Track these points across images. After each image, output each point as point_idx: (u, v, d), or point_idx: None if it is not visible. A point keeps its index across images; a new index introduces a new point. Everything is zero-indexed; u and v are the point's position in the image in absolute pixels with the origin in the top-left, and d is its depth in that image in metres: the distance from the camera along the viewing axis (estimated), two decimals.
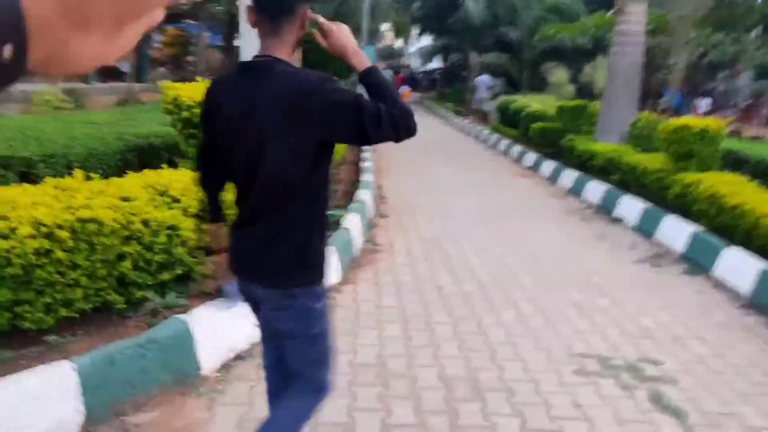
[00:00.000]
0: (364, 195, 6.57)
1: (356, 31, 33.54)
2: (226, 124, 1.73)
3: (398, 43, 54.97)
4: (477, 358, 3.44)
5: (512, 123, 16.07)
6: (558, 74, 21.75)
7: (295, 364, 1.92)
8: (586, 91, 22.88)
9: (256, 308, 1.93)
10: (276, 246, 1.76)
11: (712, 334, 3.99)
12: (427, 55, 44.71)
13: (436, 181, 9.47)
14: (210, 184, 1.97)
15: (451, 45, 28.94)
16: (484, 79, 20.39)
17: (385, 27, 48.70)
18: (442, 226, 6.56)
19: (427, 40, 40.89)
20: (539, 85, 22.93)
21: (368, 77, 1.71)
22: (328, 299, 1.90)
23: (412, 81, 37.92)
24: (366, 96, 1.68)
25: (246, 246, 1.82)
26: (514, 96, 17.98)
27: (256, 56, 1.72)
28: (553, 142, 12.26)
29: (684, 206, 6.53)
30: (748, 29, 17.99)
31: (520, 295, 4.54)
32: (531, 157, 11.51)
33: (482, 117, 21.24)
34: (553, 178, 9.93)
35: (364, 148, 11.19)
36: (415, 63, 52.52)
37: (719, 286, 4.97)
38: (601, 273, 5.19)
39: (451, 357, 3.44)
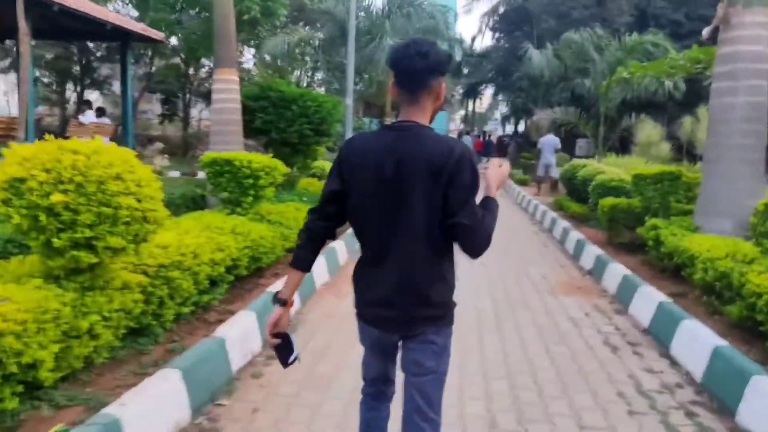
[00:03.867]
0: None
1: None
2: (367, 176, 1.94)
3: (482, 108, 52.31)
4: None
5: (581, 196, 12.02)
6: (647, 130, 17.38)
7: (422, 401, 2.03)
8: (687, 152, 18.26)
9: (385, 350, 2.14)
10: (417, 287, 1.96)
11: None
12: (504, 118, 41.46)
13: None
14: (323, 231, 2.10)
15: (518, 103, 25.28)
16: (549, 140, 16.45)
17: (458, 92, 46.16)
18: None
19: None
20: (626, 147, 18.63)
21: (490, 201, 2.01)
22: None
23: (489, 145, 34.56)
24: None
25: (385, 290, 2.00)
26: (582, 160, 13.88)
27: (401, 121, 1.98)
28: (632, 227, 8.17)
29: None
30: None
31: None
32: (591, 253, 7.44)
33: (552, 186, 17.19)
34: (622, 298, 5.85)
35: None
36: (498, 128, 49.32)
37: None
38: None
39: None
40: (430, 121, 1.99)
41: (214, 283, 4.92)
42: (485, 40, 49.50)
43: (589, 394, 3.68)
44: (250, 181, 5.93)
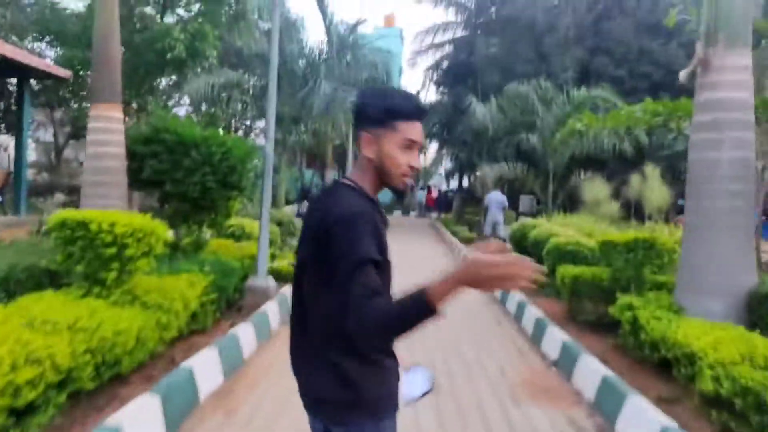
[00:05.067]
0: None
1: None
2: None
3: (427, 163, 51.98)
4: None
5: (533, 259, 10.90)
6: (595, 189, 16.76)
7: None
8: (635, 211, 17.74)
9: None
10: (302, 375, 1.74)
11: None
12: (448, 174, 41.08)
13: None
14: None
15: (462, 158, 24.61)
16: (496, 197, 15.52)
17: None
18: None
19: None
20: (574, 205, 17.95)
21: (418, 298, 1.43)
22: None
23: (444, 200, 33.77)
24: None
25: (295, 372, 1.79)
26: (533, 220, 12.90)
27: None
28: (598, 300, 6.98)
29: None
30: None
31: None
32: (555, 338, 6.14)
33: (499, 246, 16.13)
34: (605, 409, 4.51)
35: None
36: (442, 183, 48.94)
37: None
38: None
39: None
40: (382, 182, 1.71)
41: (31, 408, 3.30)
42: (429, 95, 49.87)
43: None
44: (113, 250, 4.36)
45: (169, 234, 7.34)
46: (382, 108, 1.65)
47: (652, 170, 16.52)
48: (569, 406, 4.73)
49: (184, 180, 6.23)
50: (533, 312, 7.29)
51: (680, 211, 21.68)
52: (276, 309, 7.01)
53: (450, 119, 25.03)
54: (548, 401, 4.80)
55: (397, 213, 33.28)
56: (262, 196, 7.26)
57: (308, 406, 1.73)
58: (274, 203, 16.92)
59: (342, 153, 30.08)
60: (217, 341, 5.14)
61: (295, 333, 1.76)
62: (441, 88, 30.40)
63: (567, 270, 7.37)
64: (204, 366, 4.57)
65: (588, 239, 9.94)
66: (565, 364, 5.58)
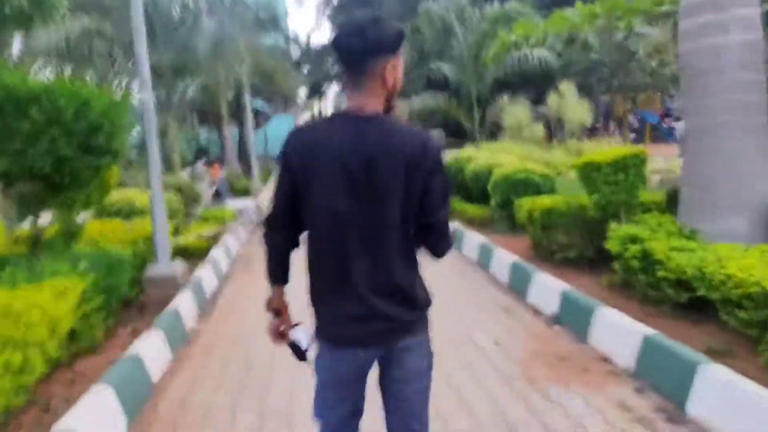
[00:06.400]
0: None
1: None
2: (331, 176, 1.68)
3: (328, 108, 49.93)
4: None
5: (472, 194, 9.85)
6: (515, 112, 15.90)
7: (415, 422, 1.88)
8: (555, 130, 17.15)
9: (361, 373, 1.83)
10: (402, 289, 1.75)
11: None
12: None
13: None
14: (285, 245, 1.86)
15: None
16: None
17: (303, 93, 43.35)
18: None
19: None
20: (492, 131, 17.08)
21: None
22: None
23: None
24: None
25: (366, 301, 1.72)
26: (465, 150, 11.77)
27: (357, 108, 1.70)
28: (576, 234, 5.94)
29: None
30: None
31: None
32: (548, 287, 5.02)
33: None
34: (659, 381, 3.43)
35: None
36: None
37: None
38: None
39: None
40: (388, 109, 1.74)
41: None
42: (323, 34, 47.12)
43: None
44: None
45: (20, 227, 5.48)
46: (399, 32, 1.71)
47: (567, 87, 15.86)
48: (604, 377, 3.62)
49: (25, 151, 4.33)
50: (504, 256, 6.16)
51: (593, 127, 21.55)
52: (190, 301, 5.43)
53: None
54: (573, 377, 3.66)
55: None
56: (149, 161, 5.50)
57: (378, 334, 1.73)
58: (168, 168, 14.74)
59: (237, 107, 27.57)
60: (108, 372, 3.54)
61: (361, 263, 1.69)
62: (336, 25, 28.36)
63: (535, 202, 6.27)
64: (90, 416, 3.00)
65: (526, 162, 9.00)
66: (571, 319, 4.49)
